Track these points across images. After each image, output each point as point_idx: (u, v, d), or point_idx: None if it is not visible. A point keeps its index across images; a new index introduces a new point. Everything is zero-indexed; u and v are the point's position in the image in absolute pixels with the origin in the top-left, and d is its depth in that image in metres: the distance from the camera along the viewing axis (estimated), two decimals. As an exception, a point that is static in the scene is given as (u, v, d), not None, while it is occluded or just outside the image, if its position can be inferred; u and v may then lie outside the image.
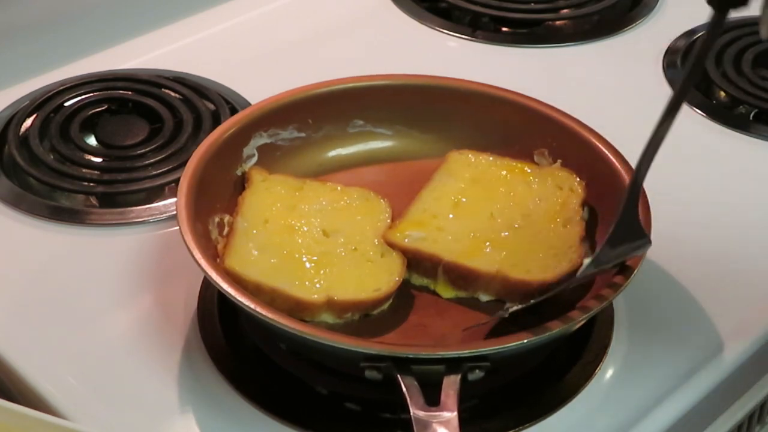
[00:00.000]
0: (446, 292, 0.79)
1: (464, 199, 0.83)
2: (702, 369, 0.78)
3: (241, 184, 0.85)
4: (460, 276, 0.78)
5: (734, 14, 1.16)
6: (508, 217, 0.82)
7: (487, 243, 0.80)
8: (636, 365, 0.79)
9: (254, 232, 0.80)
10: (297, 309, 0.75)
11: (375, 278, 0.78)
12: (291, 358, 0.77)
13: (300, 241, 0.80)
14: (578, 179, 0.84)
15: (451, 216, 0.82)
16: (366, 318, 0.77)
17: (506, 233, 0.81)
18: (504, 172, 0.86)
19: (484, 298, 0.79)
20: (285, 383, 0.76)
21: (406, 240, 0.80)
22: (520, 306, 0.73)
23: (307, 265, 0.78)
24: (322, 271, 0.77)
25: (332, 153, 0.90)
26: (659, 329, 0.81)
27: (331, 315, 0.76)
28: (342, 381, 0.75)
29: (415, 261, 0.79)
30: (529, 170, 0.86)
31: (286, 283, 0.76)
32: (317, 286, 0.76)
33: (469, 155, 0.87)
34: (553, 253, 0.79)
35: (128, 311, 0.82)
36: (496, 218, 0.82)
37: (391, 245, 0.80)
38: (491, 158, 0.87)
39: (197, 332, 0.79)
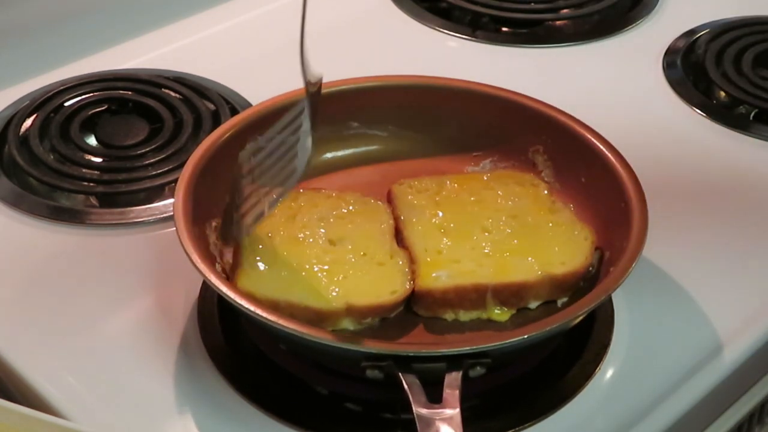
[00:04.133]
0: (501, 315, 0.77)
1: (452, 225, 0.82)
2: (702, 369, 0.78)
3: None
4: (511, 294, 0.77)
5: (735, 14, 1.17)
6: (499, 225, 0.81)
7: (507, 254, 0.79)
8: (636, 365, 0.79)
9: (260, 247, 0.79)
10: (317, 320, 0.74)
11: (389, 281, 0.77)
12: (291, 358, 0.77)
13: (307, 251, 0.79)
14: (532, 175, 0.86)
15: (450, 245, 0.80)
16: (385, 321, 0.77)
17: (516, 241, 0.80)
18: (457, 185, 0.85)
19: (534, 305, 0.78)
20: (285, 383, 0.76)
21: (439, 282, 0.77)
22: None
23: (320, 274, 0.77)
24: (335, 279, 0.77)
25: (327, 155, 0.90)
26: (659, 329, 0.81)
27: (352, 322, 0.76)
28: (342, 381, 0.75)
29: (459, 297, 0.77)
30: (486, 177, 0.86)
31: (302, 295, 0.75)
32: (333, 294, 0.76)
33: (413, 182, 0.85)
34: (568, 238, 0.80)
35: (128, 311, 0.82)
36: (491, 230, 0.81)
37: (429, 293, 0.77)
38: (432, 178, 0.86)
39: (197, 332, 0.79)
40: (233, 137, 0.85)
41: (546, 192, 0.84)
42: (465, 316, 0.78)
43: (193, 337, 0.79)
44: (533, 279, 0.77)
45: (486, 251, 0.79)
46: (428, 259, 0.79)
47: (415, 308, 0.78)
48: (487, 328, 0.77)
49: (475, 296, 0.77)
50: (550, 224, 0.81)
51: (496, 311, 0.77)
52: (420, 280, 0.77)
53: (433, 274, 0.78)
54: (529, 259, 0.78)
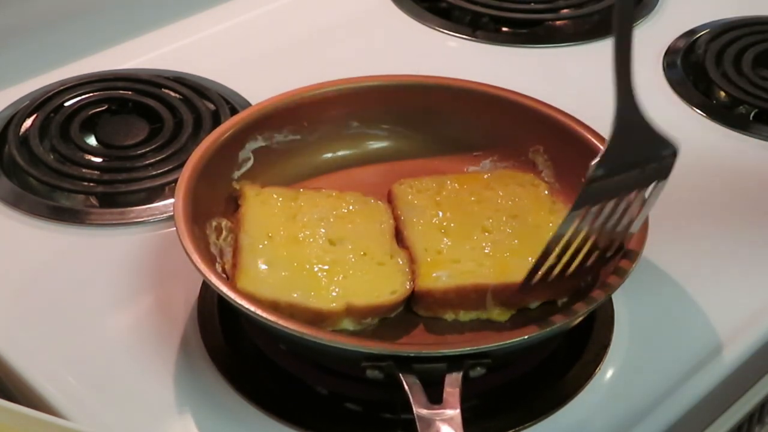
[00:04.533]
0: (501, 315, 0.77)
1: (452, 225, 0.82)
2: (702, 369, 0.78)
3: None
4: (512, 294, 0.77)
5: (735, 14, 1.17)
6: (499, 225, 0.82)
7: (507, 254, 0.79)
8: (636, 365, 0.79)
9: (260, 247, 0.79)
10: (317, 320, 0.74)
11: (389, 281, 0.77)
12: (291, 358, 0.77)
13: (307, 251, 0.79)
14: (533, 175, 0.86)
15: (450, 245, 0.80)
16: (385, 321, 0.77)
17: (516, 241, 0.80)
18: (457, 185, 0.85)
19: (534, 305, 0.78)
20: (285, 383, 0.76)
21: (439, 282, 0.77)
22: None
23: (320, 274, 0.77)
24: (335, 279, 0.77)
25: (327, 155, 0.90)
26: (659, 329, 0.81)
27: (351, 321, 0.76)
28: (342, 381, 0.75)
29: (459, 298, 0.77)
30: (486, 177, 0.86)
31: (302, 295, 0.75)
32: (333, 294, 0.76)
33: (413, 182, 0.85)
34: None
35: (128, 311, 0.82)
36: (491, 230, 0.81)
37: (429, 293, 0.77)
38: (432, 178, 0.86)
39: (197, 332, 0.79)
40: (233, 137, 0.85)
41: (546, 192, 0.84)
42: (465, 316, 0.77)
43: (193, 337, 0.79)
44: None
45: (486, 251, 0.79)
46: (428, 259, 0.79)
47: (415, 308, 0.78)
48: (487, 328, 0.77)
49: (475, 296, 0.77)
50: (551, 224, 0.81)
51: (496, 311, 0.77)
52: (420, 280, 0.77)
53: (434, 274, 0.78)
54: (530, 259, 0.78)
